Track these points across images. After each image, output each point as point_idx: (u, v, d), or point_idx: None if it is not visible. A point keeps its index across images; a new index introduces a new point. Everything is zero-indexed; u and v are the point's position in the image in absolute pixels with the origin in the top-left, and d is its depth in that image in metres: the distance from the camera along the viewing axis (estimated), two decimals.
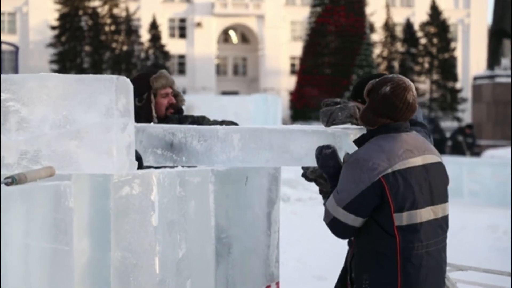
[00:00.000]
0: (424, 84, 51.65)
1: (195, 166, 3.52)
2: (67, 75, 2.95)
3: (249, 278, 3.83)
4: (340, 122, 3.39)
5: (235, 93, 51.27)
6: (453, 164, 17.00)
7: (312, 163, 3.37)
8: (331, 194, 3.24)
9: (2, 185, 2.42)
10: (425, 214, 3.16)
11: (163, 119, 4.20)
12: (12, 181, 2.44)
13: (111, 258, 2.81)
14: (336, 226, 3.20)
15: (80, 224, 2.79)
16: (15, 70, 16.56)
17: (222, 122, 4.06)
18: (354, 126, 3.45)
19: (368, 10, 41.26)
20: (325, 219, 3.24)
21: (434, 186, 3.22)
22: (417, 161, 3.17)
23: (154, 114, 4.14)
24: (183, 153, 3.50)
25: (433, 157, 3.26)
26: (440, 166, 3.30)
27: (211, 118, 4.35)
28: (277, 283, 4.09)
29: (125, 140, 2.94)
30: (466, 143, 21.05)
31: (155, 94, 4.17)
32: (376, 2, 53.52)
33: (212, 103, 24.57)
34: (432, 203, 3.20)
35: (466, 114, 47.90)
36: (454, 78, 51.31)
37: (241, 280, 3.76)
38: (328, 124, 3.40)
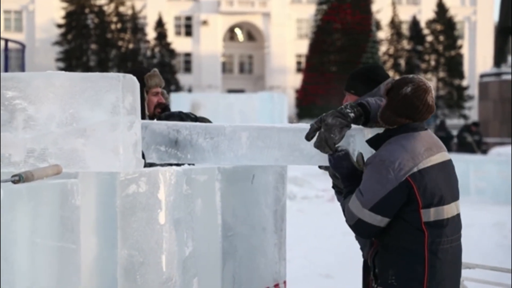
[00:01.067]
0: (431, 82, 51.52)
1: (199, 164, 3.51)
2: (74, 73, 2.95)
3: (255, 276, 3.83)
4: (339, 139, 3.27)
5: (241, 91, 51.21)
6: (459, 162, 16.95)
7: (323, 161, 3.36)
8: (350, 195, 3.24)
9: (9, 183, 2.42)
10: (450, 210, 3.22)
11: (151, 117, 4.20)
12: (19, 179, 2.44)
13: (118, 256, 2.82)
14: (361, 228, 3.21)
15: (87, 222, 2.79)
16: (22, 68, 16.58)
17: (196, 120, 4.08)
18: (361, 127, 3.42)
19: (374, 7, 41.21)
20: (348, 221, 3.24)
21: (453, 182, 3.30)
22: (438, 158, 3.22)
23: (146, 112, 4.14)
24: (188, 150, 3.49)
25: (446, 154, 3.32)
26: (452, 164, 3.36)
27: (219, 116, 4.36)
28: (284, 282, 4.09)
29: (132, 138, 2.94)
30: (474, 141, 21.01)
31: (147, 92, 4.18)
32: (382, 0, 53.41)
33: (218, 101, 24.56)
34: (454, 198, 3.26)
35: (472, 112, 47.81)
36: (461, 75, 51.19)
37: (248, 278, 3.75)
38: (327, 150, 3.27)
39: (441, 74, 51.10)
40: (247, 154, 3.45)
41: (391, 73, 50.65)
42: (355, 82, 3.75)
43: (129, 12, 49.32)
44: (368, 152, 3.33)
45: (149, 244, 2.96)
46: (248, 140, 3.45)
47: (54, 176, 2.66)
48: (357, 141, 3.39)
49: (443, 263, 3.18)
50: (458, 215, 3.29)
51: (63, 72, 2.97)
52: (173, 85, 47.88)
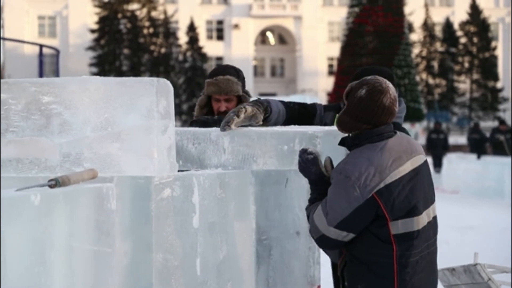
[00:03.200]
0: (464, 84, 51.09)
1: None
2: (108, 78, 2.97)
3: (290, 280, 3.81)
4: (237, 124, 3.35)
5: (272, 94, 51.22)
6: (495, 165, 16.80)
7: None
8: (316, 202, 3.15)
9: (46, 188, 2.44)
10: (422, 220, 3.10)
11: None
12: (56, 183, 2.46)
13: (152, 260, 2.82)
14: (325, 243, 3.13)
15: (122, 226, 2.80)
16: (56, 73, 16.77)
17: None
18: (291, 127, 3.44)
19: (407, 9, 40.96)
20: (312, 233, 3.15)
21: (425, 187, 3.15)
22: (407, 167, 3.07)
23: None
24: (179, 157, 3.43)
25: (420, 157, 3.15)
26: (426, 165, 3.20)
27: None
28: (318, 286, 4.07)
29: (166, 142, 2.95)
30: (506, 141, 20.74)
31: (210, 97, 4.16)
32: (415, 2, 53.07)
33: None
34: (426, 206, 3.13)
35: (507, 114, 47.25)
36: (495, 77, 50.65)
37: (282, 283, 3.74)
38: (222, 126, 3.37)
39: (475, 76, 50.61)
40: (229, 159, 3.40)
41: (424, 75, 50.31)
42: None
43: (161, 16, 49.65)
44: (335, 155, 3.25)
45: (183, 248, 2.97)
46: (230, 145, 3.42)
47: (89, 180, 2.68)
48: (323, 142, 3.31)
49: (413, 276, 3.08)
50: (433, 219, 3.17)
51: (98, 77, 2.99)
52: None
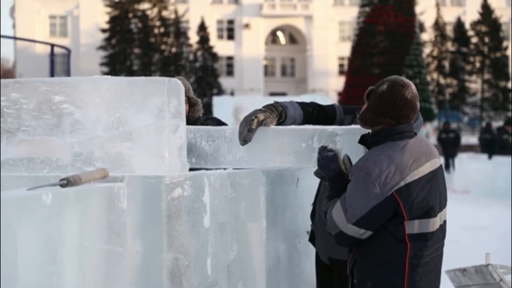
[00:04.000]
0: (476, 84, 50.88)
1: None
2: (120, 78, 2.98)
3: (300, 280, 3.81)
4: (252, 136, 3.30)
5: (283, 94, 51.17)
6: (506, 165, 16.69)
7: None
8: (334, 199, 3.15)
9: (57, 187, 2.45)
10: (436, 222, 3.11)
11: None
12: (67, 182, 2.47)
13: (163, 259, 2.82)
14: (342, 239, 3.12)
15: (133, 225, 2.80)
16: (67, 72, 16.83)
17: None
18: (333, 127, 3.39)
19: (418, 9, 40.80)
20: (329, 229, 3.15)
21: (441, 190, 3.17)
22: (426, 168, 3.09)
23: None
24: (192, 154, 3.42)
25: (437, 160, 3.17)
26: (441, 169, 3.22)
27: None
28: None
29: (177, 141, 2.96)
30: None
31: None
32: (426, 1, 52.86)
33: (260, 104, 24.53)
34: (441, 208, 3.15)
35: None
36: (506, 77, 50.39)
37: (293, 282, 3.74)
38: (240, 141, 3.31)
39: (486, 76, 50.39)
40: (244, 157, 3.37)
41: (435, 75, 50.18)
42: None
43: (172, 16, 49.70)
44: (354, 153, 3.23)
45: (194, 247, 2.97)
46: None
47: (101, 180, 2.68)
48: (343, 140, 3.28)
49: (423, 277, 3.09)
50: (444, 223, 3.18)
51: (109, 76, 2.99)
52: (215, 88, 48.09)
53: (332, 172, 3.16)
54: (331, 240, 3.34)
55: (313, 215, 3.71)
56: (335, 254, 3.53)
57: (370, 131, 3.18)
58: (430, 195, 3.08)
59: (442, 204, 3.17)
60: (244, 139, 3.28)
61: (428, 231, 3.08)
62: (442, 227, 3.18)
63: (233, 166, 3.39)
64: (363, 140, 3.20)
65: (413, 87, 3.13)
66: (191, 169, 3.17)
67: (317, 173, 3.29)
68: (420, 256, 3.07)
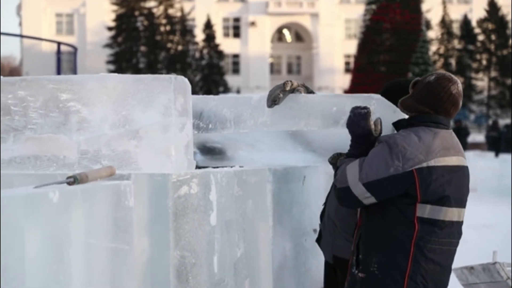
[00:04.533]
0: (482, 81, 50.73)
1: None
2: (126, 75, 2.98)
3: (307, 278, 3.81)
4: (282, 100, 3.31)
5: None
6: None
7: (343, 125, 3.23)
8: (352, 158, 3.13)
9: (64, 185, 2.45)
10: (450, 213, 3.10)
11: None
12: (74, 180, 2.47)
13: (170, 257, 2.82)
14: (345, 195, 3.09)
15: (139, 223, 2.80)
16: (74, 70, 16.85)
17: None
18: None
19: (424, 7, 40.69)
20: (337, 182, 3.12)
21: (463, 189, 3.17)
22: (453, 160, 3.10)
23: None
24: (210, 120, 3.40)
25: (464, 160, 3.19)
26: (467, 172, 3.22)
27: None
28: None
29: (183, 139, 2.96)
30: None
31: None
32: None
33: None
34: (460, 205, 3.14)
35: None
36: None
37: (299, 281, 3.74)
38: (269, 102, 3.33)
39: (493, 73, 50.23)
40: (266, 121, 3.33)
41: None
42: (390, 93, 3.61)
43: (178, 14, 49.69)
44: (387, 121, 3.20)
45: (201, 245, 2.97)
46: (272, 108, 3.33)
47: (107, 177, 2.68)
48: (378, 105, 3.25)
49: (429, 262, 3.07)
50: (458, 222, 3.16)
51: (115, 74, 2.99)
52: (221, 86, 48.10)
53: (361, 130, 3.14)
54: (337, 239, 3.34)
55: (322, 215, 3.71)
56: (340, 253, 3.52)
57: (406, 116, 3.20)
58: (450, 185, 3.08)
59: (462, 204, 3.16)
60: (274, 99, 3.29)
61: (439, 218, 3.07)
62: (459, 225, 3.17)
63: (253, 131, 3.36)
64: (397, 125, 3.21)
65: (460, 85, 3.17)
66: (198, 167, 3.17)
67: (331, 159, 3.28)
68: (427, 241, 3.06)
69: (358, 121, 3.14)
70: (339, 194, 3.12)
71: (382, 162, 3.03)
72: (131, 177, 2.82)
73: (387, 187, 3.03)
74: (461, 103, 3.18)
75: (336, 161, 3.25)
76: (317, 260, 3.86)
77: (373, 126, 3.13)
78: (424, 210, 3.05)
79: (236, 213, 3.23)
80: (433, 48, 49.19)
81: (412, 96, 3.16)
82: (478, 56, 50.69)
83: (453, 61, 51.04)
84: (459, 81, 3.17)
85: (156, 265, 2.83)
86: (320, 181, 3.86)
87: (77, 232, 2.39)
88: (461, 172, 3.15)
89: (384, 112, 3.21)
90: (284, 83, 3.32)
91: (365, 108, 3.14)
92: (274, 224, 3.52)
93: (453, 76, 3.18)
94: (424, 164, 3.02)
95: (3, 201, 2.05)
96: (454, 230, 3.15)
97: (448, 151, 3.09)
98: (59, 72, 14.29)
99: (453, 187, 3.10)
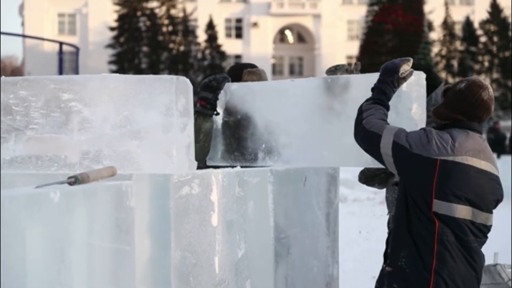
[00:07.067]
0: None
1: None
2: (128, 76, 2.98)
3: (308, 279, 3.80)
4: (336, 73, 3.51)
5: None
6: None
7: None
8: (381, 108, 3.19)
9: (66, 185, 2.45)
10: (463, 212, 3.13)
11: None
12: (75, 180, 2.47)
13: (171, 257, 2.82)
14: (369, 138, 3.15)
15: (141, 223, 2.80)
16: (76, 70, 16.88)
17: None
18: None
19: (427, 8, 40.76)
20: (368, 123, 3.16)
21: (485, 193, 3.18)
22: (481, 164, 3.15)
23: None
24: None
25: (494, 168, 3.23)
26: (495, 179, 3.24)
27: None
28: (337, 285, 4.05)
29: (185, 140, 2.95)
30: None
31: None
32: (435, 0, 52.70)
33: None
34: (475, 206, 3.16)
35: None
36: None
37: (301, 282, 3.73)
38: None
39: (495, 75, 50.21)
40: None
41: (443, 74, 50.07)
42: None
43: (180, 14, 49.72)
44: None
45: (202, 246, 2.97)
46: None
47: (109, 178, 2.68)
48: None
49: (455, 259, 3.12)
50: (473, 223, 3.17)
51: (117, 74, 2.99)
52: None
53: (391, 64, 3.22)
54: None
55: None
56: None
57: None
58: (468, 185, 3.11)
59: (482, 205, 3.18)
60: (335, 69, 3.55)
61: (453, 215, 3.11)
62: (478, 226, 3.19)
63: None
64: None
65: (491, 90, 3.23)
66: (199, 167, 3.18)
67: (361, 176, 3.58)
68: (447, 234, 3.11)
69: (393, 61, 3.24)
70: (366, 134, 3.16)
71: (417, 139, 3.10)
72: (133, 178, 2.82)
73: (406, 162, 3.10)
74: (493, 108, 3.26)
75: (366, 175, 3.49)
76: (319, 261, 3.86)
77: (404, 70, 3.20)
78: (440, 207, 3.11)
79: (237, 214, 3.23)
80: (435, 49, 49.21)
81: (444, 104, 3.24)
82: (480, 58, 50.67)
83: (455, 63, 51.04)
84: (489, 86, 3.24)
85: (157, 266, 2.83)
86: (321, 182, 3.86)
87: (78, 232, 2.39)
88: (487, 177, 3.18)
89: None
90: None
91: (407, 59, 3.24)
92: (275, 225, 3.52)
93: (483, 81, 3.24)
94: (451, 158, 3.08)
95: (4, 201, 2.05)
96: (473, 229, 3.18)
97: (478, 154, 3.15)
98: (61, 72, 14.31)
99: (472, 187, 3.13)
